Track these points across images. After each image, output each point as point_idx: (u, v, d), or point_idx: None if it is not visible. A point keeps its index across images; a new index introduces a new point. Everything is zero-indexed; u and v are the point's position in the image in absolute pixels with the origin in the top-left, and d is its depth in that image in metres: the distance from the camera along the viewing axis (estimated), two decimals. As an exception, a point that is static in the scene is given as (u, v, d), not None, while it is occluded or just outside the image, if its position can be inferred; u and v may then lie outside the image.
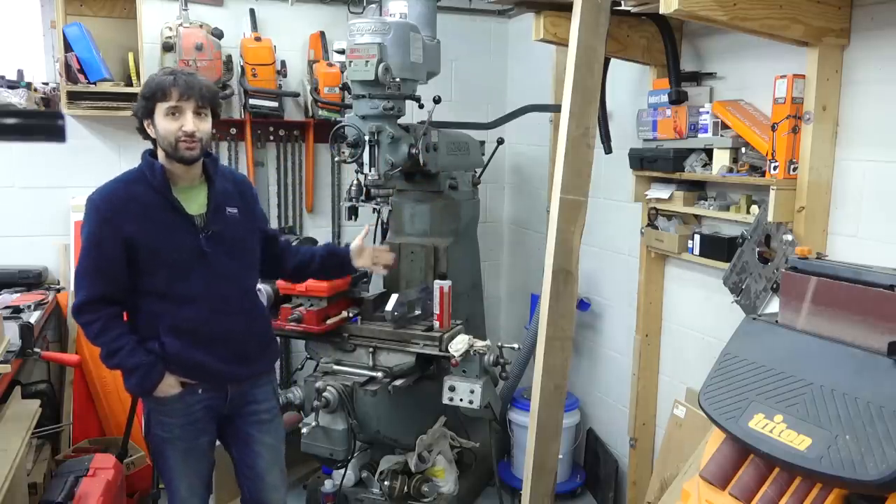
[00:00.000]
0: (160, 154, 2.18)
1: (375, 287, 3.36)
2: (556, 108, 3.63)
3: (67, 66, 3.30)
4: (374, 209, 3.14)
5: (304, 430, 2.95)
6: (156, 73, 2.20)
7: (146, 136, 2.19)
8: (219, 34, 3.58)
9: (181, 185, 2.19)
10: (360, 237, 2.64)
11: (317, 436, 2.96)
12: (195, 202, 2.21)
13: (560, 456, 2.77)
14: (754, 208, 2.49)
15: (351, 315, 3.05)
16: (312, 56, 3.83)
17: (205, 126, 2.13)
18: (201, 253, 2.17)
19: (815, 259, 1.94)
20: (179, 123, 2.08)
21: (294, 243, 3.31)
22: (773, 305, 2.30)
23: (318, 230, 4.03)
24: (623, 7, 2.41)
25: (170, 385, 2.19)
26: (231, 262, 2.25)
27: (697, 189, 2.79)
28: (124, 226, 2.10)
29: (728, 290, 2.56)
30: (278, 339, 2.60)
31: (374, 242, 3.56)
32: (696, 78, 2.78)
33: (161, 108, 2.09)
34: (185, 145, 2.09)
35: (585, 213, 2.41)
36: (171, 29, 3.52)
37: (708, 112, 2.62)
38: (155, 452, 2.34)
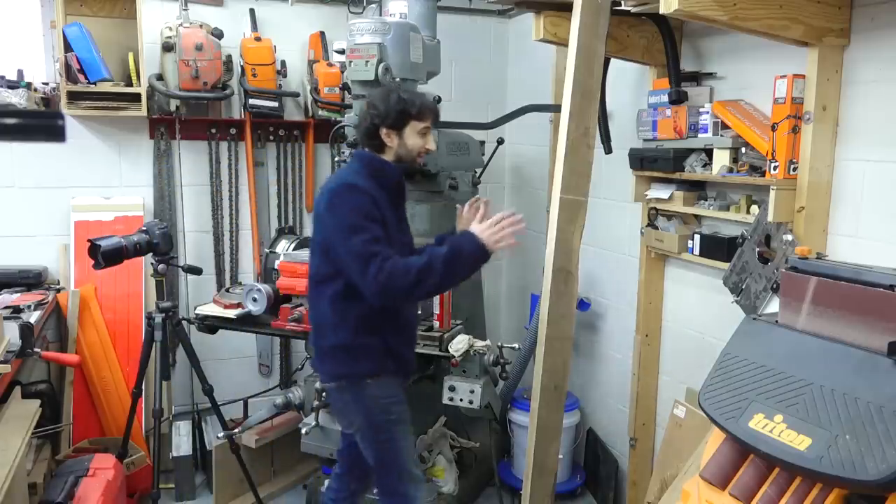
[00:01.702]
0: (391, 158, 2.36)
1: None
2: (556, 108, 3.63)
3: (67, 66, 3.30)
4: (375, 209, 3.13)
5: (303, 431, 2.95)
6: (402, 92, 2.35)
7: (374, 139, 2.33)
8: (219, 34, 3.58)
9: None
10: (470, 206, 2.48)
11: (317, 436, 2.96)
12: None
13: (560, 456, 2.77)
14: (754, 208, 2.49)
15: (351, 315, 3.05)
16: (312, 56, 3.83)
17: None
18: (413, 249, 2.41)
19: (815, 259, 1.94)
20: (424, 142, 2.34)
21: (293, 243, 3.32)
22: (773, 305, 2.30)
23: (318, 230, 4.03)
24: (623, 7, 2.41)
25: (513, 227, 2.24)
26: None
27: (697, 189, 2.79)
28: (380, 205, 2.27)
29: (728, 290, 2.56)
30: (279, 338, 2.63)
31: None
32: (696, 78, 2.78)
33: (416, 126, 2.32)
34: (421, 160, 2.39)
35: (585, 213, 2.41)
36: (171, 29, 3.51)
37: (708, 112, 2.62)
38: (385, 439, 2.40)
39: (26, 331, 2.70)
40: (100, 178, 3.67)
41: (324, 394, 2.87)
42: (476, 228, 2.23)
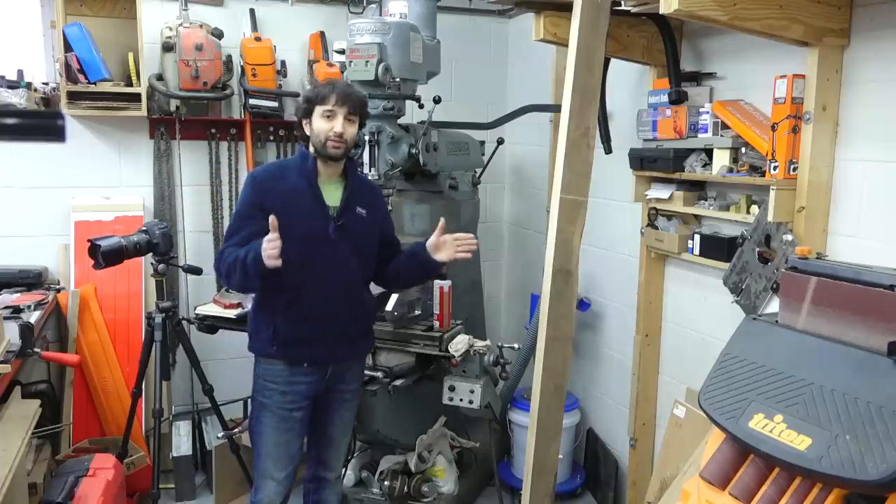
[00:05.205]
0: (311, 150, 2.45)
1: (375, 287, 3.35)
2: (556, 108, 3.63)
3: (67, 66, 3.30)
4: (375, 209, 3.13)
5: (303, 430, 2.95)
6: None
7: (302, 135, 2.47)
8: (219, 34, 3.58)
9: (323, 179, 2.46)
10: (437, 234, 2.52)
11: (317, 436, 2.95)
12: (332, 195, 2.47)
13: (560, 456, 2.77)
14: (754, 208, 2.49)
15: (351, 315, 3.04)
16: (312, 56, 3.83)
17: (352, 130, 2.40)
18: (329, 239, 2.42)
19: (815, 259, 1.94)
20: (331, 125, 2.35)
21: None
22: (773, 305, 2.30)
23: (318, 230, 4.03)
24: (623, 7, 2.41)
25: (270, 244, 2.22)
26: (351, 255, 2.48)
27: (697, 189, 2.79)
28: (270, 198, 2.38)
29: (728, 290, 2.56)
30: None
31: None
32: (696, 78, 2.78)
33: (318, 111, 2.37)
34: (332, 144, 2.37)
35: (585, 213, 2.41)
36: (171, 29, 3.51)
37: (708, 112, 2.62)
38: (253, 417, 2.57)
39: (26, 331, 2.70)
40: (100, 178, 3.67)
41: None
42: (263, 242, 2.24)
